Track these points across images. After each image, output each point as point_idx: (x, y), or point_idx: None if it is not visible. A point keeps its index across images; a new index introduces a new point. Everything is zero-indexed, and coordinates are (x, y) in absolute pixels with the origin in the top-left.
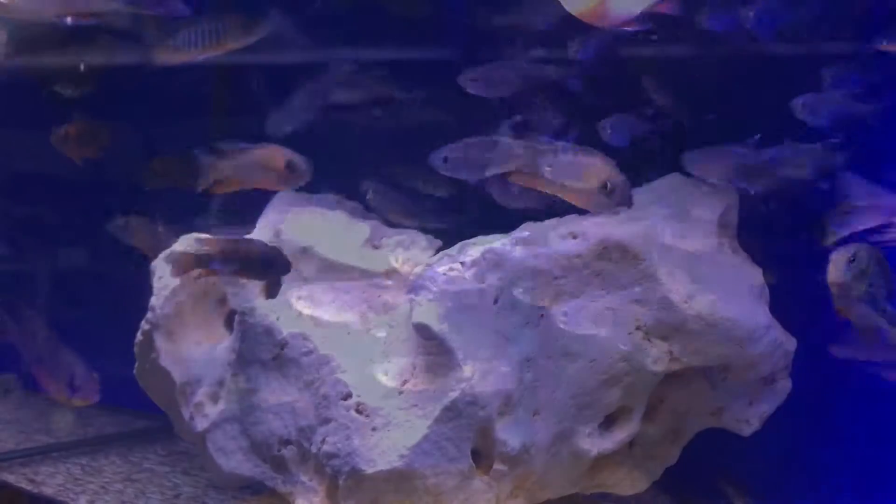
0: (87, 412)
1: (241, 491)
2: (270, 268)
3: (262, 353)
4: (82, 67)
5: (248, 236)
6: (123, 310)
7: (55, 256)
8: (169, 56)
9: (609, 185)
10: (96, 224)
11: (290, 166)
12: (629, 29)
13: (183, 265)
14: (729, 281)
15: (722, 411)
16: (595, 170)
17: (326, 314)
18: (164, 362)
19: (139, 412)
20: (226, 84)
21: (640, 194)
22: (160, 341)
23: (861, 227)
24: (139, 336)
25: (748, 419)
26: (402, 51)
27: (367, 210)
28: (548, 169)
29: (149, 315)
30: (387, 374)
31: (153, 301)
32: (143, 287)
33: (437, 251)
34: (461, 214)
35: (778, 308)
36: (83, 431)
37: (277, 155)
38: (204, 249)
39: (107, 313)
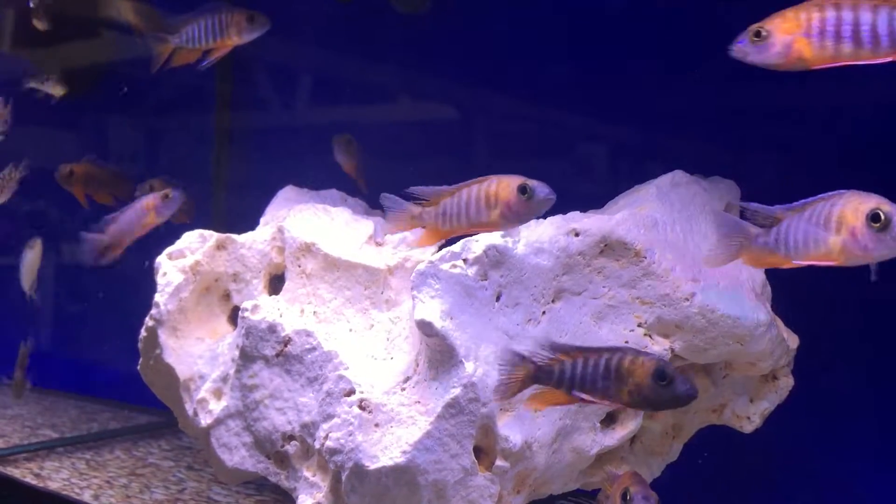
0: (91, 408)
1: (244, 486)
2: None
3: (265, 349)
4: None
5: (253, 232)
6: (127, 305)
7: (58, 251)
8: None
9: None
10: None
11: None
12: None
13: (515, 385)
14: (730, 278)
15: (723, 408)
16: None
17: (329, 311)
18: (168, 358)
19: (143, 407)
20: None
21: (642, 190)
22: (164, 337)
23: None
24: (143, 332)
25: (749, 416)
26: None
27: (370, 207)
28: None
29: (153, 311)
30: (389, 371)
31: (157, 297)
32: (147, 283)
33: (441, 248)
34: None
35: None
36: (87, 427)
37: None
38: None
39: (110, 309)
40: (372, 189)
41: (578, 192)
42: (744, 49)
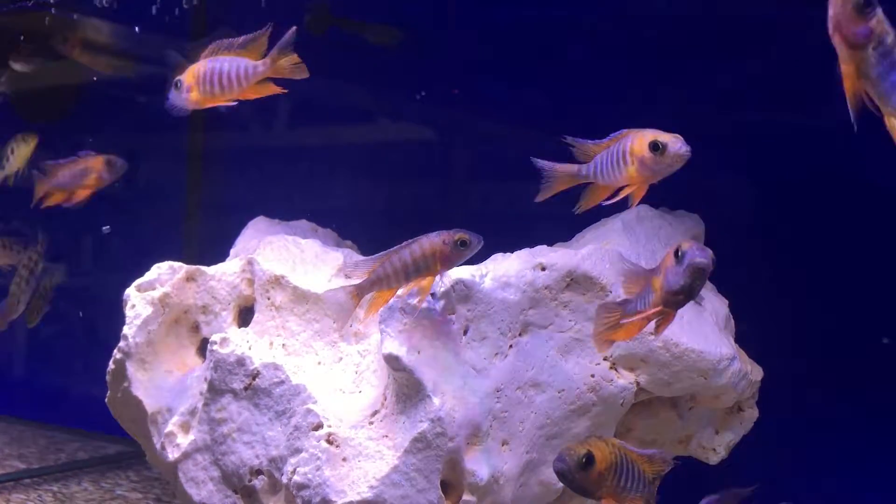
0: (59, 437)
1: None
2: None
3: (233, 382)
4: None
5: (222, 263)
6: (98, 333)
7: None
8: None
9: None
10: (75, 240)
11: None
12: None
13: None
14: (695, 311)
15: (689, 440)
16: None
17: (298, 344)
18: (136, 391)
19: (112, 437)
20: None
21: (608, 224)
22: (132, 370)
23: None
24: (111, 365)
25: (715, 448)
26: None
27: (340, 237)
28: None
29: (121, 344)
30: (358, 404)
31: (125, 330)
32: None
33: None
34: None
35: None
36: (55, 457)
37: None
38: None
39: (81, 337)
40: (343, 214)
41: (556, 215)
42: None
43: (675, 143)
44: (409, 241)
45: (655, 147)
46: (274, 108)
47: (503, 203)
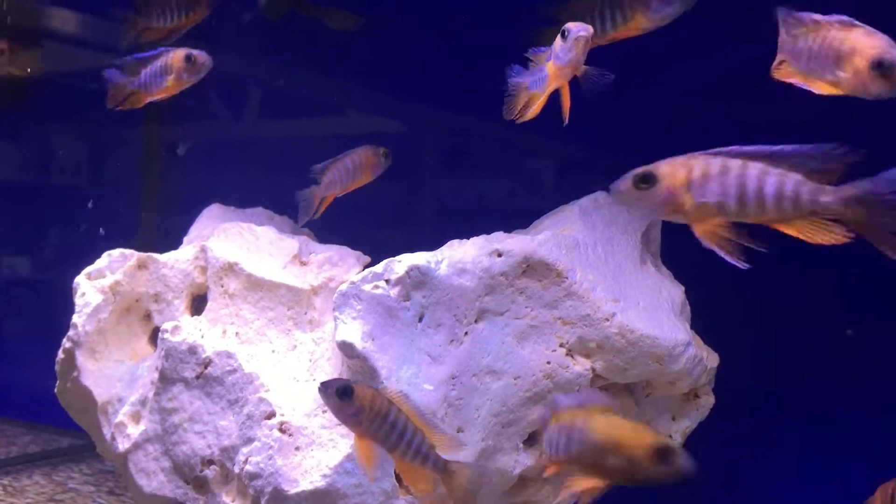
0: (10, 431)
1: None
2: None
3: (185, 371)
4: None
5: (175, 251)
6: (49, 324)
7: None
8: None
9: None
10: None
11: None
12: None
13: None
14: (650, 298)
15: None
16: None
17: (252, 332)
18: (86, 381)
19: (65, 430)
20: None
21: (566, 211)
22: (82, 360)
23: None
24: (60, 354)
25: (671, 434)
26: None
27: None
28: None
29: (70, 333)
30: (312, 393)
31: (75, 318)
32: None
33: (366, 267)
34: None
35: None
36: (6, 451)
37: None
38: None
39: (32, 328)
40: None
41: (522, 207)
42: None
43: (576, 27)
44: (346, 152)
45: (563, 34)
46: (233, 99)
47: (461, 194)
